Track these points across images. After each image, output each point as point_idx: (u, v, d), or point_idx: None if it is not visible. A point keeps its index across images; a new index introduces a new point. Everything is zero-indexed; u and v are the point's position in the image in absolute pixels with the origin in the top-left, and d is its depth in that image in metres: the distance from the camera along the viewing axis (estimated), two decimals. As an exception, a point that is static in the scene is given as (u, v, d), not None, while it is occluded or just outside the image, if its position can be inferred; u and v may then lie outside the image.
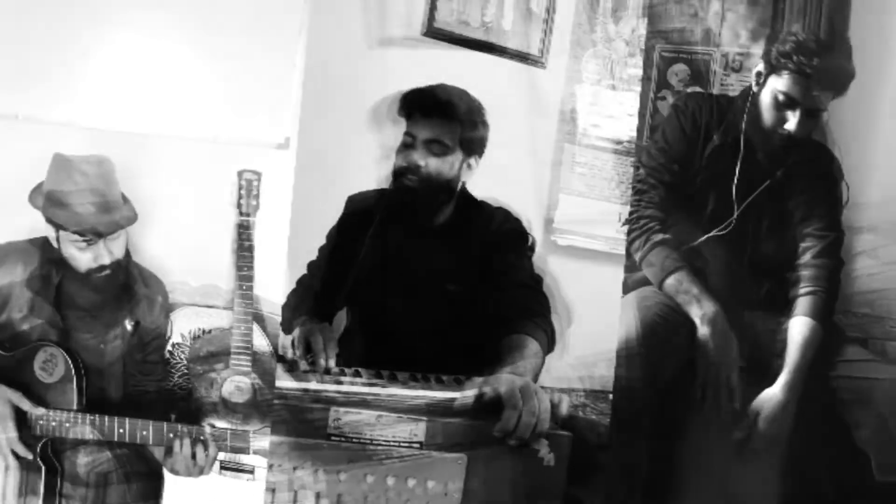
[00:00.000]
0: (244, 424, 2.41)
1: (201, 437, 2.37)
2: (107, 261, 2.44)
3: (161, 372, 2.49)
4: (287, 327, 2.56)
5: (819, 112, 2.62)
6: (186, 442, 2.37)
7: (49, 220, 2.44)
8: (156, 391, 2.48)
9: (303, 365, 2.45)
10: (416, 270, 2.63)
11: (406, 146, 2.61)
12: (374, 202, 2.66)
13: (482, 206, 2.68)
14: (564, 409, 2.34)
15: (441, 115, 2.61)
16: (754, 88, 2.67)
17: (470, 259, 2.63)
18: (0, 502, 2.43)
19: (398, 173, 2.63)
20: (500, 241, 2.66)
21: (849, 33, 2.66)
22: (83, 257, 2.43)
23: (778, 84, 2.62)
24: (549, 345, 2.56)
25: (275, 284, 2.52)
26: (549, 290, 2.63)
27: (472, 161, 2.64)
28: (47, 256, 2.46)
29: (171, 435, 2.37)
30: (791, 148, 2.65)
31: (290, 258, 2.54)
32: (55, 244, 2.45)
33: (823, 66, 2.58)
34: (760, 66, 2.65)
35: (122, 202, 2.45)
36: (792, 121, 2.61)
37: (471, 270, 2.63)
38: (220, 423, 2.41)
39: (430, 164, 2.60)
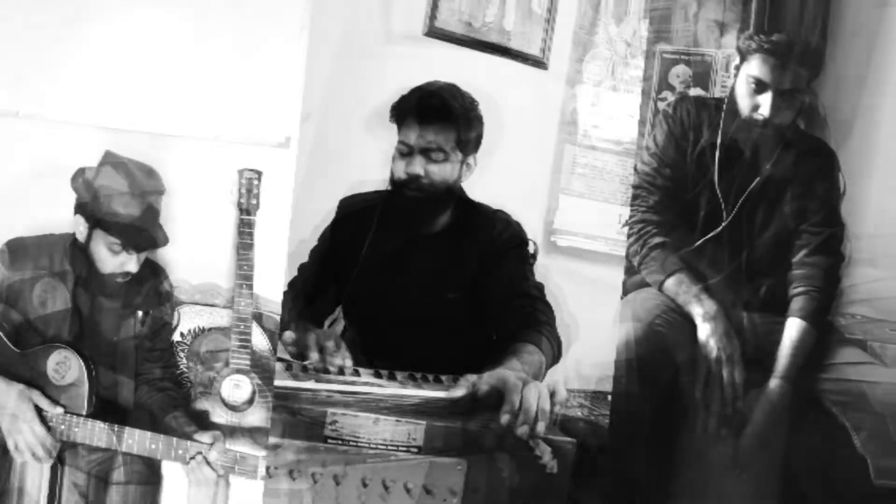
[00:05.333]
0: (253, 446, 2.42)
1: (209, 460, 2.38)
2: (133, 269, 2.46)
3: (168, 359, 2.50)
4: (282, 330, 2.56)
5: (791, 92, 2.58)
6: (194, 461, 2.38)
7: (86, 212, 2.45)
8: (160, 378, 2.49)
9: (314, 358, 2.43)
10: (415, 277, 2.60)
11: (402, 155, 2.55)
12: (371, 207, 2.61)
13: (481, 209, 2.63)
14: (562, 393, 2.33)
15: (435, 121, 2.54)
16: (732, 81, 2.65)
17: (469, 267, 2.60)
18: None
19: (399, 184, 2.56)
20: (501, 250, 2.61)
21: (830, 19, 2.63)
22: (111, 261, 2.45)
23: (747, 69, 2.59)
24: (554, 356, 2.52)
25: (275, 283, 2.52)
26: (549, 291, 2.63)
27: (470, 160, 2.59)
28: (64, 251, 2.46)
29: (181, 451, 2.38)
30: (775, 137, 2.61)
31: (291, 257, 2.54)
32: (82, 236, 2.45)
33: (786, 40, 2.56)
34: (736, 60, 2.63)
35: (157, 221, 2.47)
36: (765, 105, 2.58)
37: (470, 278, 2.59)
38: (232, 445, 2.41)
39: (431, 171, 2.54)
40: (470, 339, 2.60)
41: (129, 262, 2.46)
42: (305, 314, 2.58)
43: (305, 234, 2.58)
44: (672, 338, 2.63)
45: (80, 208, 2.46)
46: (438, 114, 2.54)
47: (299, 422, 2.22)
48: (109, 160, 2.46)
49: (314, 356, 2.42)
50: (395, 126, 2.57)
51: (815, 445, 2.59)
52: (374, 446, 2.19)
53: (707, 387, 2.61)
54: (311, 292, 2.61)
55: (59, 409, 2.41)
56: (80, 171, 2.47)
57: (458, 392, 2.28)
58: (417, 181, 2.54)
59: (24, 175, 2.50)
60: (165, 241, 2.48)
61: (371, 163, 2.62)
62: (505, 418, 2.20)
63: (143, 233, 2.45)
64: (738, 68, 2.63)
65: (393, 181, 2.58)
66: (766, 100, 2.58)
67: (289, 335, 2.49)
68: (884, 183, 2.64)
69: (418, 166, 2.54)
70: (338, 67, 2.61)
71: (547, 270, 2.65)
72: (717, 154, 2.63)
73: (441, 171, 2.56)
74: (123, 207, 2.44)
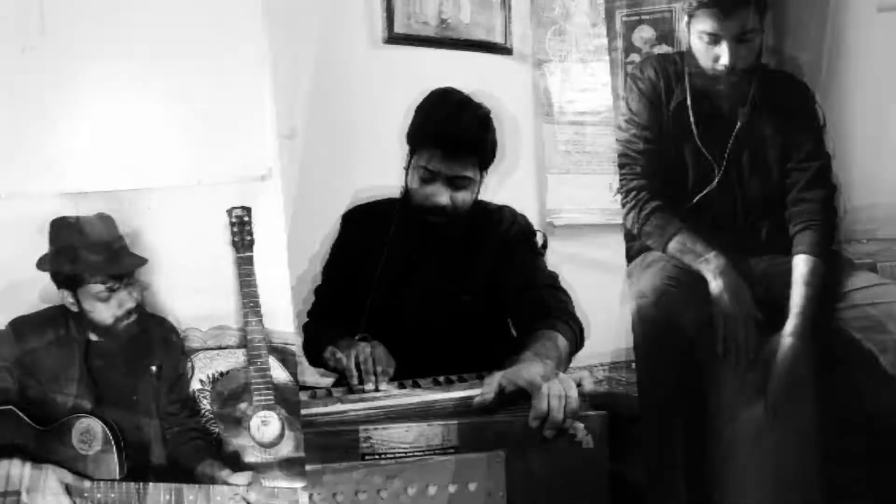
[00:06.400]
0: (291, 478, 2.41)
1: (248, 501, 2.37)
2: (132, 304, 2.45)
3: (191, 408, 2.49)
4: (313, 358, 2.57)
5: (745, 34, 2.58)
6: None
7: (62, 282, 2.44)
8: (185, 429, 2.48)
9: (354, 381, 2.43)
10: (429, 284, 2.60)
11: (424, 181, 2.52)
12: (379, 219, 2.61)
13: (486, 207, 2.62)
14: (588, 385, 2.33)
15: (464, 152, 2.50)
16: (689, 39, 2.65)
17: (481, 267, 2.59)
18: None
19: (420, 209, 2.53)
20: (511, 245, 2.61)
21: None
22: (107, 308, 2.44)
23: (696, 26, 2.60)
24: (577, 342, 2.50)
25: (283, 314, 2.51)
26: (561, 275, 2.62)
27: (485, 174, 2.59)
28: (67, 321, 2.46)
29: (219, 498, 2.37)
30: (744, 81, 2.61)
31: (295, 284, 2.53)
32: (74, 306, 2.45)
33: None
34: (685, 18, 2.64)
35: (127, 251, 2.46)
36: (724, 55, 2.58)
37: (483, 278, 2.58)
38: (270, 481, 2.41)
39: (456, 199, 2.53)
40: (490, 337, 2.60)
41: (126, 300, 2.45)
42: (337, 332, 2.58)
43: (304, 258, 2.58)
44: (685, 296, 2.62)
45: (58, 282, 2.46)
46: (469, 147, 2.51)
47: (333, 445, 2.22)
48: (56, 225, 2.46)
49: (354, 381, 2.43)
50: (403, 143, 2.56)
51: (845, 377, 2.59)
52: (411, 454, 2.19)
53: (726, 342, 2.60)
54: (334, 312, 2.64)
55: (87, 483, 2.40)
56: (44, 256, 2.46)
57: (487, 396, 2.27)
58: (443, 209, 2.52)
59: (14, 255, 2.49)
60: (143, 260, 2.47)
61: (358, 176, 2.63)
62: (534, 424, 2.20)
63: (116, 260, 2.44)
64: (689, 26, 2.63)
65: (412, 203, 2.55)
66: (723, 50, 2.59)
67: (331, 351, 2.50)
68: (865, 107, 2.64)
69: (445, 196, 2.51)
70: (309, 89, 2.61)
71: (548, 253, 2.66)
72: (691, 110, 2.64)
73: (465, 196, 2.54)
74: (89, 251, 2.43)
